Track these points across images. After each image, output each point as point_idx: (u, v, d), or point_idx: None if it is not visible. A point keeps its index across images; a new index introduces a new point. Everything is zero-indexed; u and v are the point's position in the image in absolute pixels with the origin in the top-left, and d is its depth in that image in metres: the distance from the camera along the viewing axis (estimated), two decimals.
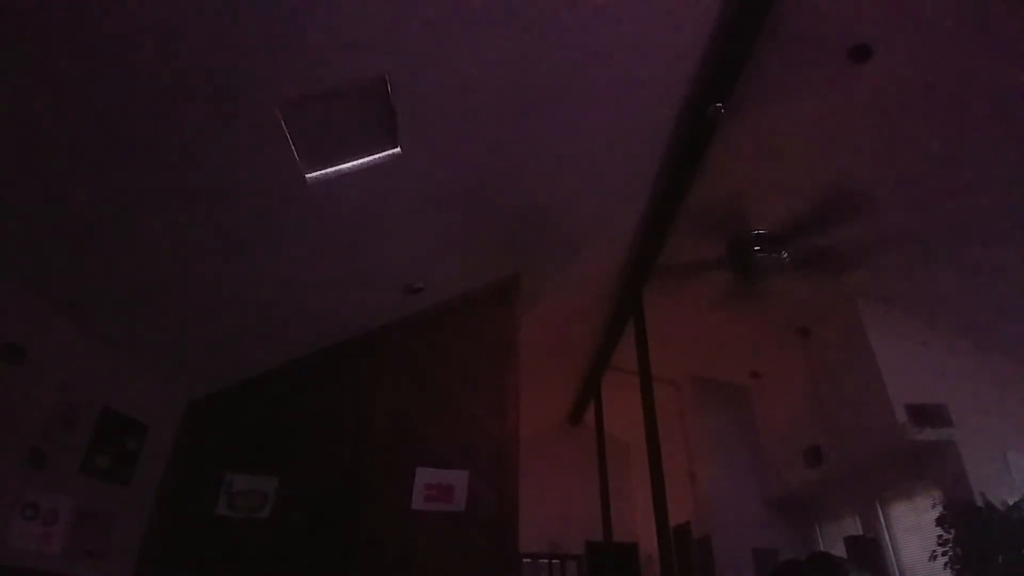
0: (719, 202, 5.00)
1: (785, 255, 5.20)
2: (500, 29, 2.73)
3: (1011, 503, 4.40)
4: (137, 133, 2.39)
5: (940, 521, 4.59)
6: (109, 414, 3.41)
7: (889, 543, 5.88)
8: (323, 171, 3.00)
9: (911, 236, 5.04)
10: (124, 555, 3.57)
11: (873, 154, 4.39)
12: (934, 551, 4.53)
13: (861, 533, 6.22)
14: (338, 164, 3.03)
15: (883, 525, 5.98)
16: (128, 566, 3.61)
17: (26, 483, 2.87)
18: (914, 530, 5.54)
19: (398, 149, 3.11)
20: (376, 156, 3.10)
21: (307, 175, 2.96)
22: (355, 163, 3.08)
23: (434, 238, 4.14)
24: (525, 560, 8.61)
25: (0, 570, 2.68)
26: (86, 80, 2.13)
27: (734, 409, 8.18)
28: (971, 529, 4.39)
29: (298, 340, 4.40)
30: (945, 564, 4.44)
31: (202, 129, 2.49)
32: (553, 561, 9.21)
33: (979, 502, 4.54)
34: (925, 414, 5.25)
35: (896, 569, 5.74)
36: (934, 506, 4.80)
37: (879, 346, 5.71)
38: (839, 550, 6.26)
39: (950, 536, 4.47)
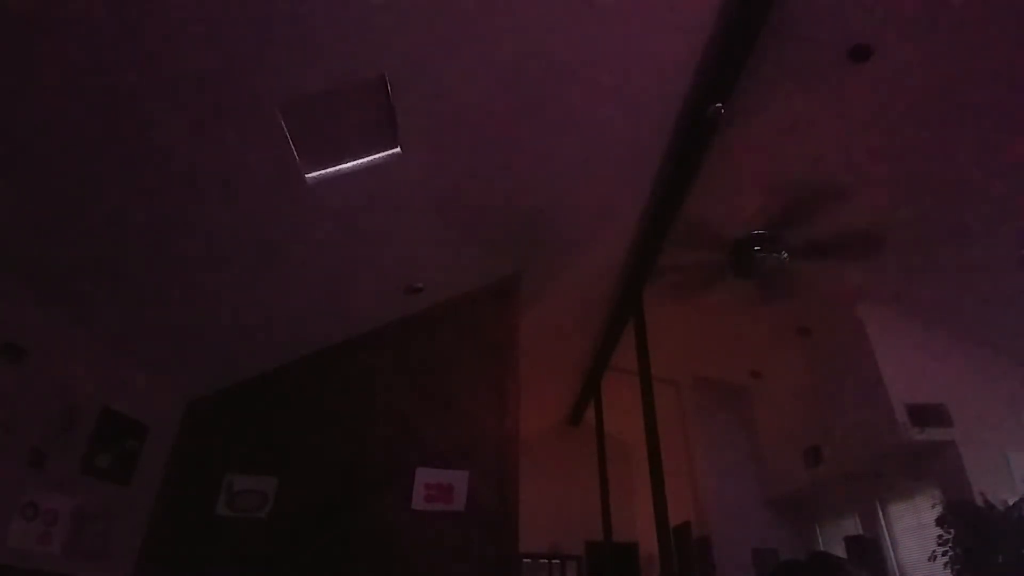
0: (719, 202, 5.00)
1: (785, 255, 5.20)
2: (500, 28, 2.73)
3: (1011, 503, 4.39)
4: (136, 133, 2.39)
5: (940, 521, 4.59)
6: (109, 414, 3.41)
7: (889, 543, 5.88)
8: (323, 171, 3.00)
9: (911, 236, 5.04)
10: (124, 555, 3.57)
11: (873, 154, 4.39)
12: (934, 551, 4.53)
13: (861, 533, 6.22)
14: (338, 164, 3.04)
15: (883, 525, 5.98)
16: (128, 566, 3.61)
17: (26, 483, 2.87)
18: (914, 530, 5.54)
19: (398, 149, 3.11)
20: (376, 156, 3.11)
21: (307, 175, 2.96)
22: (355, 163, 3.08)
23: (434, 238, 4.14)
24: (525, 560, 8.62)
25: (0, 570, 2.68)
26: (87, 79, 2.13)
27: (734, 409, 8.19)
28: (971, 529, 4.39)
29: (298, 340, 4.40)
30: (945, 564, 4.44)
31: (202, 129, 2.49)
32: (553, 561, 9.21)
33: (979, 502, 4.54)
34: (925, 414, 5.25)
35: (896, 569, 5.74)
36: (934, 506, 4.80)
37: (879, 346, 5.71)
38: (839, 550, 6.27)
39: (950, 536, 4.47)
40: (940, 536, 4.52)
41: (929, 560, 4.61)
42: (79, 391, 3.20)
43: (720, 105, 3.71)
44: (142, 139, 2.42)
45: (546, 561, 9.18)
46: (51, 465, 3.00)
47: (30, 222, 2.56)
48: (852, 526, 6.45)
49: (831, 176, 4.62)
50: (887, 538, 5.91)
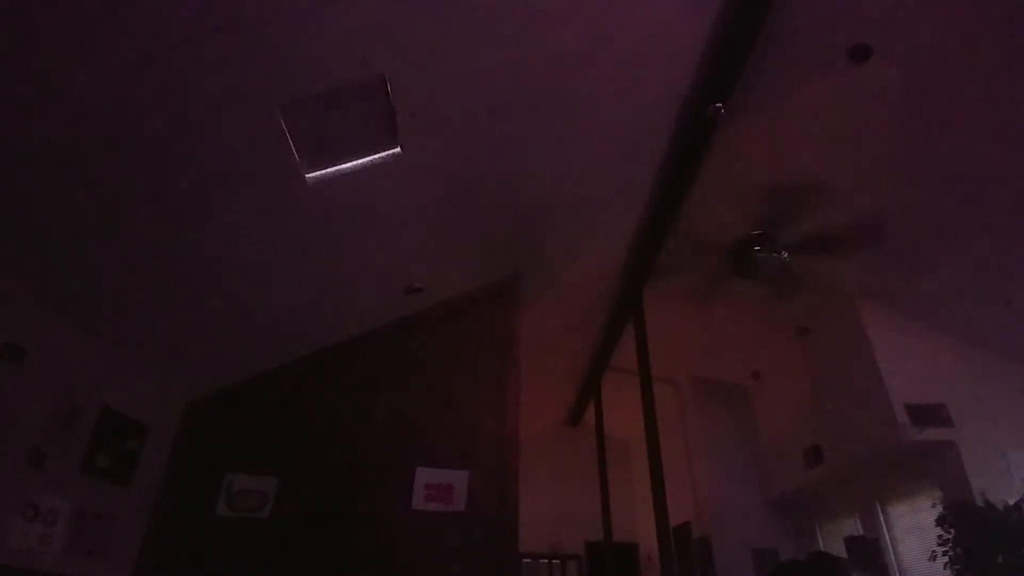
0: (719, 202, 5.00)
1: (785, 255, 5.21)
2: (500, 28, 2.73)
3: (1011, 503, 4.39)
4: (136, 133, 2.39)
5: (940, 521, 4.59)
6: (109, 414, 3.41)
7: (889, 543, 5.87)
8: (323, 171, 3.00)
9: (911, 235, 5.04)
10: (124, 555, 3.57)
11: (873, 154, 4.39)
12: (934, 551, 4.53)
13: (861, 533, 6.22)
14: (338, 164, 3.04)
15: (883, 525, 5.98)
16: (128, 566, 3.60)
17: (26, 483, 2.87)
18: (914, 530, 5.54)
19: (398, 149, 3.11)
20: (376, 156, 3.11)
21: (307, 175, 2.96)
22: (355, 163, 3.08)
23: (434, 238, 4.14)
24: (525, 560, 8.61)
25: (0, 570, 2.68)
26: (86, 79, 2.12)
27: (734, 409, 8.18)
28: (971, 529, 4.39)
29: (298, 340, 4.40)
30: (945, 564, 4.44)
31: (202, 129, 2.49)
32: (553, 561, 9.21)
33: (979, 502, 4.53)
34: (925, 414, 5.25)
35: (896, 569, 5.74)
36: (934, 506, 4.80)
37: (879, 346, 5.71)
38: (839, 550, 6.27)
39: (950, 536, 4.47)
40: (940, 536, 4.52)
41: (929, 560, 4.62)
42: (79, 391, 3.20)
43: (720, 105, 3.71)
44: (141, 141, 2.42)
45: (546, 561, 9.17)
46: (51, 465, 2.99)
47: (30, 223, 2.56)
48: (852, 526, 6.44)
49: (831, 176, 4.62)
50: (887, 538, 5.91)
